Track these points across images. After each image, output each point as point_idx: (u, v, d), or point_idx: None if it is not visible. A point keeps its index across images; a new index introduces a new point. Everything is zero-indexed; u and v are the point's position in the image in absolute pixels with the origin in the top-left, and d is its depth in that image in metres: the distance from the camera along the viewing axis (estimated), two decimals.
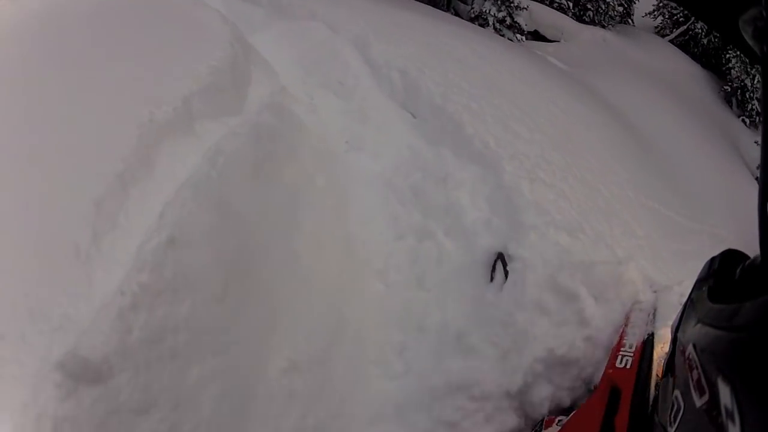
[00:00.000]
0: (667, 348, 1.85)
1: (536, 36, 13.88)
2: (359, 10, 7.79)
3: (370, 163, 4.13)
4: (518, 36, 12.07)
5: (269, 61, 5.81)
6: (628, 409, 1.73)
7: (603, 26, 17.61)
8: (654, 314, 2.33)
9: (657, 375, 1.82)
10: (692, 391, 0.79)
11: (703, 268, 1.17)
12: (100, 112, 3.04)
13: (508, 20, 11.93)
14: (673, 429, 0.90)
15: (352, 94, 4.94)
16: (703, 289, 1.03)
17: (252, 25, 7.21)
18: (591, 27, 16.85)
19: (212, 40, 4.86)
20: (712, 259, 1.13)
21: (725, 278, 1.02)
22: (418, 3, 9.95)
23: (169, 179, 2.85)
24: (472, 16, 11.95)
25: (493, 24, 11.71)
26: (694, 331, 0.89)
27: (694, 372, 0.79)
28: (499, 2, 11.85)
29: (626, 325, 2.38)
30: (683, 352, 0.91)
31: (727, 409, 0.63)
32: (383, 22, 7.14)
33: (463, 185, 3.57)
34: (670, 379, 1.06)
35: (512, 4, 11.91)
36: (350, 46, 5.85)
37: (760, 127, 0.83)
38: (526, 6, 12.14)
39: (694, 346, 0.82)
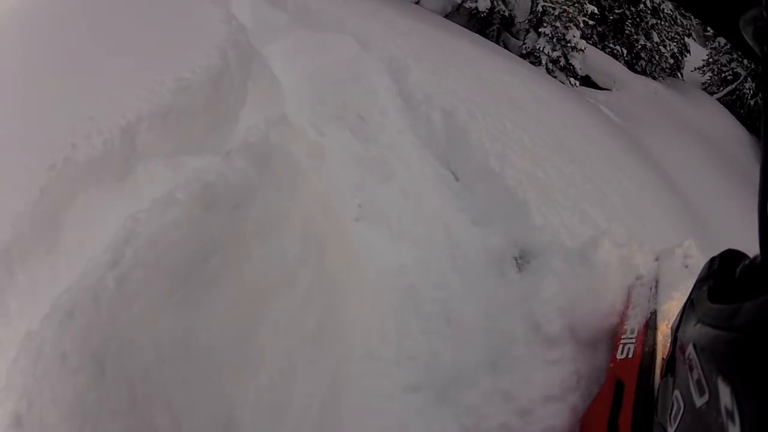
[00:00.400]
0: (672, 325, 1.62)
1: (587, 81, 12.65)
2: (398, 27, 6.55)
3: (387, 248, 2.80)
4: (572, 80, 10.76)
5: (278, 77, 4.56)
6: (631, 405, 1.57)
7: (654, 78, 16.79)
8: (656, 287, 2.05)
9: (663, 359, 1.64)
10: (692, 391, 0.78)
11: (703, 268, 1.12)
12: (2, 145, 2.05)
13: (563, 61, 10.63)
14: (673, 429, 0.88)
15: (375, 135, 3.62)
16: (703, 289, 1.00)
17: (272, 32, 6.01)
18: (643, 78, 16.08)
19: (199, 44, 3.64)
20: (712, 259, 1.09)
21: (725, 278, 1.00)
22: (466, 30, 8.70)
23: (75, 262, 1.81)
24: (524, 52, 10.68)
25: (546, 63, 10.41)
26: (694, 331, 0.88)
27: (694, 372, 0.78)
28: (554, 40, 10.56)
29: (627, 307, 2.09)
30: (683, 351, 0.90)
31: (727, 409, 0.62)
32: (426, 45, 5.88)
33: (529, 314, 2.22)
34: (670, 379, 1.03)
35: (568, 44, 10.61)
36: (382, 70, 4.56)
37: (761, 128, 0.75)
38: (583, 48, 10.84)
39: (694, 346, 0.81)
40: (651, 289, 2.07)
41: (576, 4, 11.02)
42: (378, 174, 3.30)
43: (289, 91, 4.27)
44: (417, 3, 9.52)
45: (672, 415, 0.91)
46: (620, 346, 1.85)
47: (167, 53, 3.46)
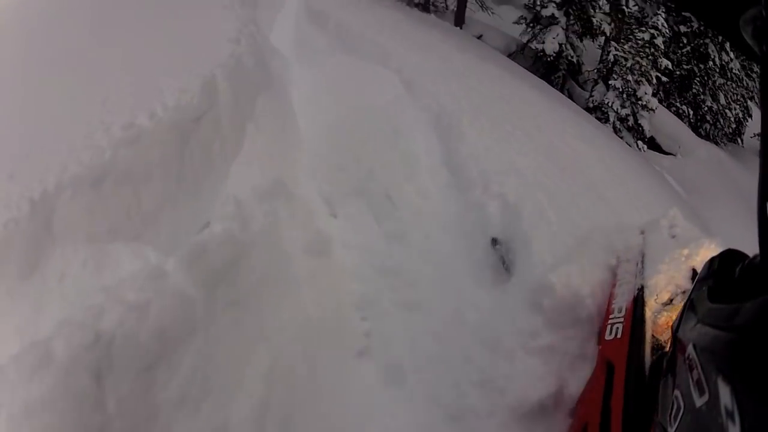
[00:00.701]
0: (661, 299, 1.71)
1: (651, 143, 11.51)
2: (454, 64, 5.52)
3: (398, 419, 1.75)
4: (639, 143, 9.58)
5: (298, 115, 3.56)
6: (622, 388, 1.46)
7: (716, 143, 15.71)
8: (642, 261, 1.91)
9: (653, 336, 1.57)
10: (692, 390, 0.77)
11: (703, 267, 1.09)
12: None
13: (631, 120, 9.47)
14: (673, 429, 0.86)
15: (406, 228, 2.56)
16: (703, 289, 0.98)
17: (308, 54, 5.02)
18: (707, 143, 15.02)
19: (181, 70, 2.67)
20: (712, 259, 1.06)
21: (725, 278, 0.98)
22: (530, 74, 7.63)
23: None
24: (590, 105, 9.54)
25: (614, 121, 9.26)
26: (694, 330, 0.87)
27: (694, 372, 0.77)
28: (624, 95, 9.41)
29: (614, 285, 1.94)
30: (683, 351, 0.88)
31: (727, 409, 0.61)
32: (487, 92, 4.83)
33: None
34: (670, 379, 1.00)
35: (639, 102, 9.46)
36: (427, 126, 3.53)
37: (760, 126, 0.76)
38: (654, 107, 9.67)
39: (694, 345, 0.81)
40: (637, 264, 1.95)
41: (650, 56, 9.93)
42: (401, 295, 2.24)
43: (304, 140, 3.26)
44: (479, 38, 8.52)
45: (672, 415, 0.87)
46: (608, 327, 1.76)
47: (137, 83, 2.49)
